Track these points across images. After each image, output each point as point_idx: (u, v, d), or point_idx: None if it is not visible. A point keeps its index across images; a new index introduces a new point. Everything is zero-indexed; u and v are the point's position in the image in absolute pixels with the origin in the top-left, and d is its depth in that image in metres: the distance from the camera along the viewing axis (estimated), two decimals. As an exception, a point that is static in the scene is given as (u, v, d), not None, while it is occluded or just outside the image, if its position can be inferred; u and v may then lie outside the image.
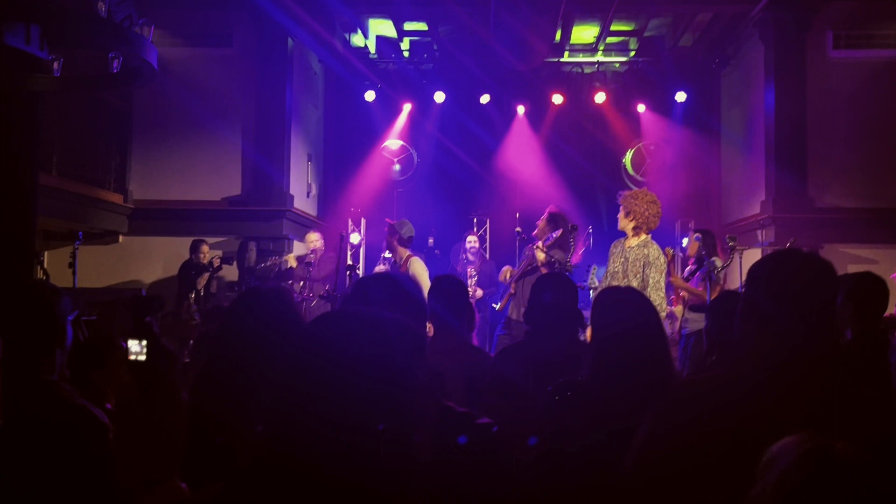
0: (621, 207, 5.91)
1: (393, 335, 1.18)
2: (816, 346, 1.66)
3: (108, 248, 9.13)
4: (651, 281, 5.59)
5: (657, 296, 5.55)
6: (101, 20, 6.11)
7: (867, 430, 1.52)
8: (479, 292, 8.19)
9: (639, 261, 5.66)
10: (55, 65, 6.54)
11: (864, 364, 3.04)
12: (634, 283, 5.60)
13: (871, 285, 3.29)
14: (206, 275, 8.18)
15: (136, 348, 1.80)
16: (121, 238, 9.19)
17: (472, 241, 8.68)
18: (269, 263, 8.47)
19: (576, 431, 2.40)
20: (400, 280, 2.91)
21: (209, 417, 1.96)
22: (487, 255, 9.96)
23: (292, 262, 8.44)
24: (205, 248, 8.34)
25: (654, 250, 5.70)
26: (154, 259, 9.12)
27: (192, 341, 6.19)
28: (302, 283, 8.19)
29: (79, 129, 8.62)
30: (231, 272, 8.80)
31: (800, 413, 1.55)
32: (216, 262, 8.26)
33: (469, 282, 8.19)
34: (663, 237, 8.66)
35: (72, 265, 7.50)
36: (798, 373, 1.63)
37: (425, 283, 6.13)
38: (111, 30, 6.16)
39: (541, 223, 6.51)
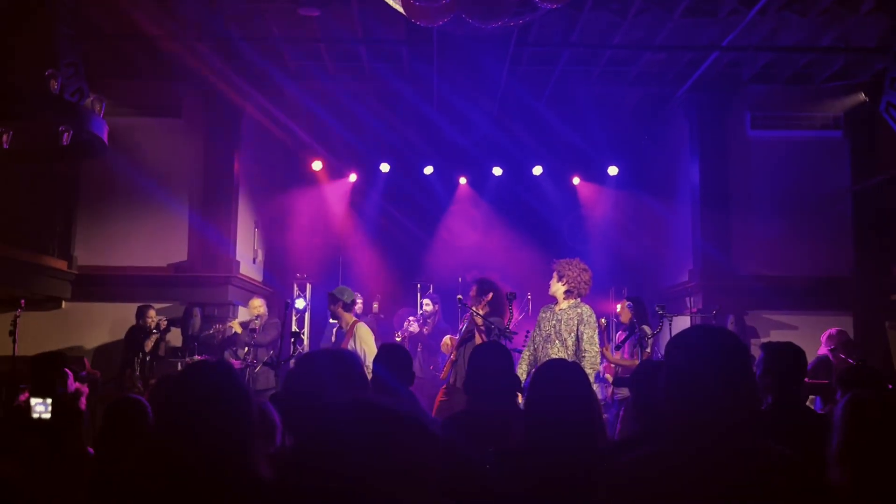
0: (554, 273, 6.34)
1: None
2: (739, 413, 1.83)
3: (50, 314, 9.04)
4: (585, 336, 6.00)
5: (592, 349, 5.97)
6: (53, 98, 6.28)
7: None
8: (415, 326, 8.49)
9: (572, 320, 6.06)
10: (4, 137, 6.62)
11: (784, 431, 3.27)
12: (569, 342, 6.02)
13: (791, 356, 3.47)
14: (155, 336, 8.21)
15: (41, 407, 1.65)
16: (64, 304, 9.13)
17: (427, 303, 8.95)
18: (213, 331, 8.53)
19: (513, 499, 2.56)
20: (343, 355, 3.11)
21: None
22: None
23: (237, 329, 8.54)
24: (151, 312, 8.38)
25: (587, 309, 6.15)
26: (98, 325, 9.06)
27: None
28: (246, 349, 8.27)
29: (24, 196, 8.62)
30: (175, 338, 8.81)
31: (731, 483, 1.75)
32: (163, 325, 8.30)
33: (401, 332, 8.57)
34: (598, 303, 9.07)
35: (12, 332, 7.44)
36: (727, 445, 1.79)
37: (371, 349, 6.31)
38: (63, 107, 6.32)
39: (472, 293, 6.77)
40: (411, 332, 8.67)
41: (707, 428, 1.82)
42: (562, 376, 2.79)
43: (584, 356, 5.94)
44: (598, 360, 6.17)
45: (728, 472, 1.77)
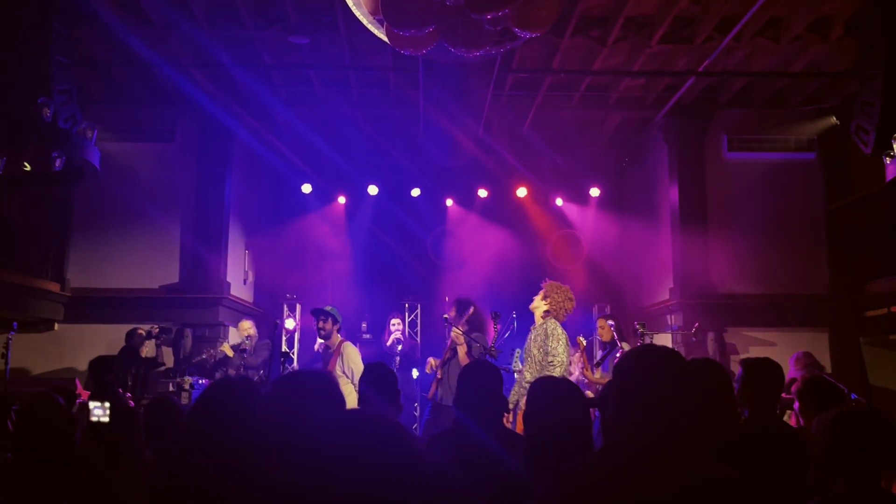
0: (542, 291, 6.56)
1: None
2: (678, 433, 1.86)
3: (42, 335, 9.13)
4: (550, 349, 6.24)
5: (556, 360, 6.20)
6: (46, 125, 6.44)
7: None
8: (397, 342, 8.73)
9: (540, 336, 6.31)
10: (-1, 163, 6.75)
11: (761, 441, 3.39)
12: (538, 357, 6.31)
13: (768, 371, 3.63)
14: (150, 342, 8.31)
15: (99, 411, 1.65)
16: (56, 326, 9.22)
17: (395, 323, 9.10)
18: (205, 356, 8.64)
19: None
20: (324, 376, 3.22)
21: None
22: (419, 339, 10.43)
23: (228, 352, 8.66)
24: (140, 332, 8.48)
25: (552, 323, 6.40)
26: (90, 346, 9.11)
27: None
28: (238, 370, 8.40)
29: (17, 219, 8.74)
30: (167, 359, 8.93)
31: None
32: (155, 330, 8.41)
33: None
34: (581, 320, 9.28)
35: (4, 354, 7.54)
36: (662, 465, 1.82)
37: (358, 367, 6.47)
38: (56, 134, 6.48)
39: (452, 313, 6.94)
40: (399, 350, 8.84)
41: (641, 447, 1.83)
42: (562, 395, 2.91)
43: (548, 369, 6.11)
44: (559, 375, 6.36)
45: (665, 491, 1.77)
